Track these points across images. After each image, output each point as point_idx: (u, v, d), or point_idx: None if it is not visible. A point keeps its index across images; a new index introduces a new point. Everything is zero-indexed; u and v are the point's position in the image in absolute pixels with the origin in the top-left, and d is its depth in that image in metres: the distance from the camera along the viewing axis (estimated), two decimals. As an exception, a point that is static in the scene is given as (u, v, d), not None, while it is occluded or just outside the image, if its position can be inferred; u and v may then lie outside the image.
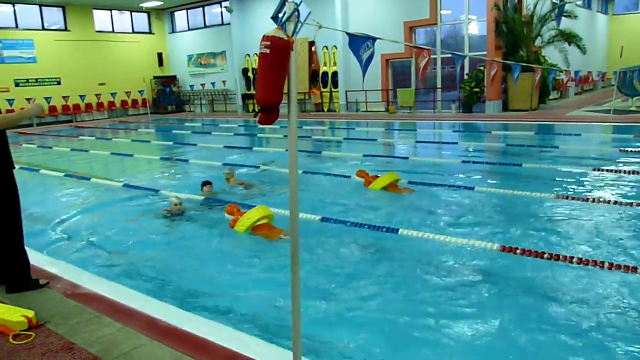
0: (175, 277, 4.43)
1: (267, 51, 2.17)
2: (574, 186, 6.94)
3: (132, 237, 5.58)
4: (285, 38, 2.18)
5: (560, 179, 7.38)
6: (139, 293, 3.94)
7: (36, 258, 4.47)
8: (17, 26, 22.53)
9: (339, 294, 3.94)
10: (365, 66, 3.18)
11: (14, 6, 22.32)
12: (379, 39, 3.15)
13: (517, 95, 16.41)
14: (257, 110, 2.26)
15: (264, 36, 2.20)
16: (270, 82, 2.19)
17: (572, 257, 4.26)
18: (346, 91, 20.59)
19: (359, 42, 3.00)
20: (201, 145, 12.65)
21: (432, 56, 18.13)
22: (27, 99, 22.05)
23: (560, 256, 4.29)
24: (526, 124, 13.62)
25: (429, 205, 6.29)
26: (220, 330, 3.28)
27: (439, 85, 19.01)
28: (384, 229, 5.15)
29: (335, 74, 20.90)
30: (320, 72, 21.35)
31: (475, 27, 18.23)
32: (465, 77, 17.54)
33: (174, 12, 27.51)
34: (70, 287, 4.08)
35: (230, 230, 5.45)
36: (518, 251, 4.43)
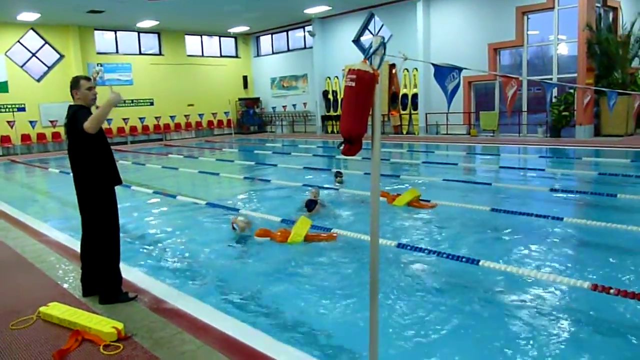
0: (254, 296, 4.51)
1: (353, 84, 2.20)
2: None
3: (214, 254, 5.77)
4: (371, 71, 2.20)
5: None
6: (219, 312, 4.06)
7: (126, 271, 4.73)
8: (117, 51, 24.38)
9: (415, 325, 3.84)
10: (450, 96, 3.13)
11: (115, 33, 24.20)
12: (465, 69, 3.10)
13: (611, 119, 15.45)
14: (341, 141, 2.29)
15: (349, 69, 2.23)
16: (354, 115, 2.21)
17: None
18: (426, 113, 20.34)
19: (444, 73, 2.96)
20: (281, 165, 12.94)
21: (521, 78, 17.54)
22: (124, 119, 23.76)
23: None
24: (621, 150, 12.77)
25: (513, 236, 6.03)
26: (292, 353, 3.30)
27: (524, 108, 18.31)
28: (464, 259, 4.98)
29: (415, 96, 20.74)
30: (400, 94, 21.28)
31: (565, 47, 17.45)
32: (554, 100, 16.78)
33: (259, 37, 28.61)
34: (155, 301, 4.28)
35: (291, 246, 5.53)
36: (612, 291, 4.11)
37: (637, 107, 11.16)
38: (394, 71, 21.06)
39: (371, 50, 2.23)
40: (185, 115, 26.31)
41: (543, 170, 10.70)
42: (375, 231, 2.37)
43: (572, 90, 16.19)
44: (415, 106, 20.81)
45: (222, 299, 4.47)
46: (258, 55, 29.01)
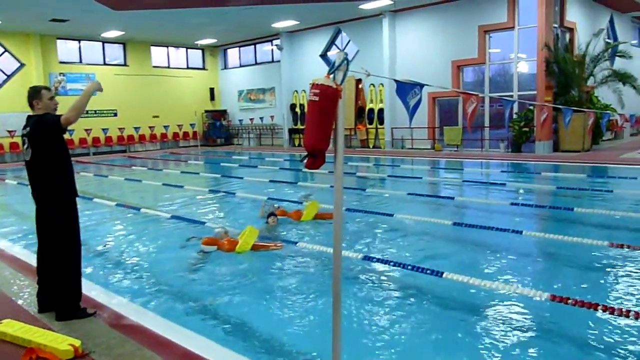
0: (215, 308, 4.46)
1: (316, 99, 2.22)
2: (629, 234, 6.64)
3: (176, 268, 5.68)
4: (334, 86, 2.23)
5: (615, 226, 7.08)
6: (179, 326, 3.99)
7: (85, 286, 4.61)
8: (80, 61, 23.91)
9: (377, 335, 3.87)
10: (412, 111, 3.20)
11: (79, 42, 23.75)
12: (426, 85, 3.17)
13: (569, 135, 15.99)
14: (305, 155, 2.30)
15: (313, 84, 2.26)
16: (318, 129, 2.24)
17: (629, 311, 4.05)
18: (392, 128, 20.62)
19: (406, 89, 3.02)
20: (248, 178, 12.88)
21: (482, 95, 18.02)
22: (86, 130, 23.23)
23: (616, 309, 4.08)
24: (578, 165, 13.22)
25: (475, 249, 6.15)
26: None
27: (486, 123, 18.78)
28: (428, 271, 5.05)
29: (381, 110, 21.02)
30: (367, 108, 21.52)
31: (526, 65, 18.03)
32: (515, 116, 17.27)
33: (227, 49, 28.54)
34: (115, 317, 4.18)
35: (244, 256, 5.50)
36: (570, 301, 4.23)
37: (591, 123, 11.60)
38: (360, 86, 21.31)
39: (334, 66, 2.27)
40: (150, 127, 25.92)
41: (504, 184, 10.97)
42: (338, 242, 2.38)
43: (532, 107, 16.70)
44: (381, 121, 21.08)
45: (184, 312, 4.41)
46: (225, 67, 28.92)
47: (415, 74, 19.13)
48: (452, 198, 9.36)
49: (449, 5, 18.95)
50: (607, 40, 19.60)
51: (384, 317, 4.25)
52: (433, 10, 19.49)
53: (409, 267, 5.25)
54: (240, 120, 27.51)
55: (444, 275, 4.91)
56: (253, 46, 27.22)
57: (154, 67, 26.30)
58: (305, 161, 2.29)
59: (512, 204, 8.61)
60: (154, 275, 5.49)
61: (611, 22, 21.36)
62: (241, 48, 27.89)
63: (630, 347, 3.57)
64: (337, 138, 2.33)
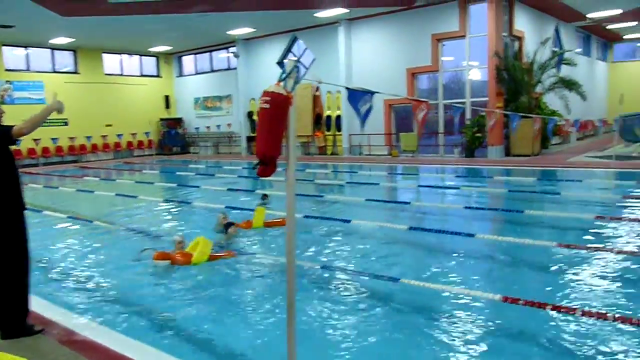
0: (172, 323, 4.37)
1: (267, 106, 2.23)
2: (575, 234, 6.91)
3: (129, 281, 5.54)
4: (285, 93, 2.24)
5: (562, 226, 7.36)
6: (135, 341, 3.89)
7: (34, 302, 4.43)
8: (28, 69, 23.08)
9: (335, 341, 3.88)
10: (363, 118, 3.24)
11: (26, 49, 22.94)
12: (377, 92, 3.23)
13: (519, 140, 16.53)
14: (257, 162, 2.30)
15: (264, 92, 2.26)
16: (269, 136, 2.24)
17: (575, 309, 4.20)
18: (350, 135, 20.80)
19: (357, 96, 3.07)
20: (205, 187, 12.71)
21: (434, 102, 18.41)
22: (35, 140, 22.40)
23: (562, 307, 4.23)
24: (528, 169, 13.68)
25: (430, 253, 6.26)
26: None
27: (441, 130, 19.20)
28: (385, 278, 5.11)
29: (338, 118, 21.18)
30: (324, 115, 21.64)
31: (478, 73, 18.55)
32: (467, 122, 17.72)
33: (182, 57, 28.17)
34: (66, 333, 4.04)
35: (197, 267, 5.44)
36: (521, 302, 4.37)
37: (539, 128, 12.04)
38: (317, 93, 21.42)
39: (285, 73, 2.28)
40: (103, 136, 25.25)
41: (458, 188, 11.23)
42: (291, 248, 2.38)
43: (484, 113, 17.18)
44: (339, 127, 21.24)
45: (139, 327, 4.29)
46: (181, 75, 28.52)
47: (371, 81, 19.40)
48: (408, 203, 9.51)
49: (403, 14, 19.32)
50: (554, 48, 20.42)
51: (341, 322, 4.27)
52: (388, 19, 19.83)
53: (366, 273, 5.30)
54: (196, 128, 27.16)
55: (400, 280, 4.98)
56: (209, 53, 26.97)
57: (107, 74, 25.66)
58: (257, 169, 2.28)
59: (465, 207, 8.82)
60: (107, 289, 5.33)
61: (557, 31, 22.28)
62: (197, 55, 27.59)
63: (579, 344, 3.70)
64: (288, 145, 2.34)
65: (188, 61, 28.20)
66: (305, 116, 20.94)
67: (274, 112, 2.20)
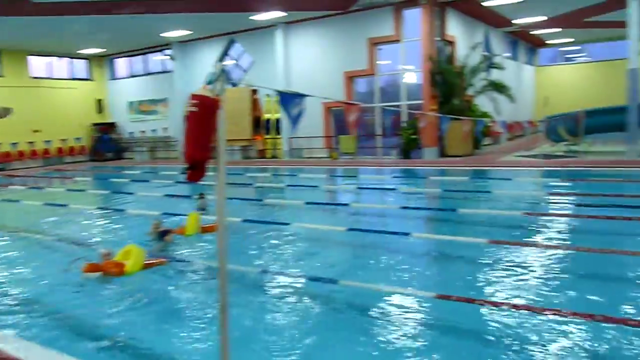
0: (107, 336, 4.21)
1: (195, 109, 2.19)
2: (505, 230, 7.22)
3: (60, 294, 5.28)
4: (213, 96, 2.21)
5: (493, 223, 7.67)
6: (66, 356, 3.71)
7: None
8: (-55, 72, 21.62)
9: (273, 345, 3.86)
10: (294, 121, 3.25)
11: (-58, 51, 21.48)
12: (308, 95, 3.25)
13: (452, 141, 17.10)
14: (186, 167, 2.25)
15: (191, 95, 2.22)
16: (197, 140, 2.20)
17: (504, 302, 4.39)
18: (289, 138, 20.80)
19: (288, 99, 3.07)
20: (140, 194, 12.33)
21: (371, 105, 18.75)
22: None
23: (491, 301, 4.41)
24: (461, 169, 14.18)
25: (368, 253, 6.35)
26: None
27: (379, 132, 19.57)
28: (325, 279, 5.14)
29: (278, 121, 21.15)
30: (263, 118, 21.54)
31: (413, 76, 19.04)
32: (404, 124, 18.15)
33: (115, 59, 27.23)
34: (-14, 351, 3.79)
35: (129, 278, 5.30)
36: (453, 298, 4.51)
37: (469, 130, 12.51)
38: (256, 96, 21.29)
39: (213, 76, 2.25)
40: (30, 142, 23.99)
41: (395, 189, 11.48)
42: (223, 255, 2.35)
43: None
44: (278, 130, 21.21)
45: (69, 341, 4.10)
46: (114, 78, 27.56)
47: (310, 84, 19.51)
48: (347, 204, 9.62)
49: (340, 18, 19.56)
50: (484, 53, 21.28)
51: (281, 325, 4.25)
52: (325, 23, 20.01)
53: (306, 275, 5.31)
54: (130, 133, 26.32)
55: (339, 282, 5.03)
56: (143, 56, 26.23)
57: (33, 77, 24.40)
58: (186, 173, 2.24)
59: (402, 207, 9.03)
60: (35, 303, 5.05)
61: (486, 36, 23.24)
62: (130, 58, 26.75)
63: (509, 335, 3.86)
64: (218, 149, 2.30)
65: (121, 64, 27.30)
66: (244, 119, 20.75)
67: (202, 115, 2.16)
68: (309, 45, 20.65)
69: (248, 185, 13.16)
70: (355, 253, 6.52)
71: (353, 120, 5.24)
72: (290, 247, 6.85)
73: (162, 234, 6.99)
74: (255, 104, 21.47)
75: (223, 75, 2.28)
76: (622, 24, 15.21)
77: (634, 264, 5.30)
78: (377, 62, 19.43)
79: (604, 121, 15.94)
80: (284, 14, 18.97)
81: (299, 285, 5.17)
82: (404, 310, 4.44)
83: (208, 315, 4.49)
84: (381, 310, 4.48)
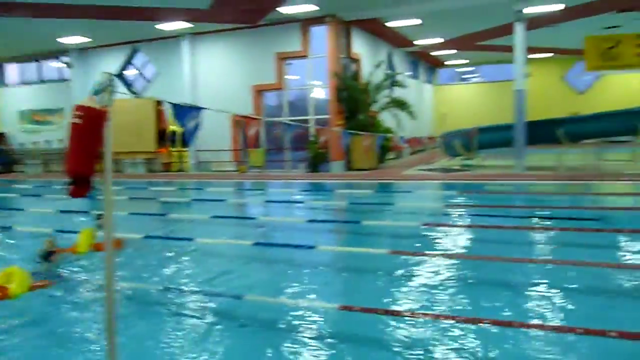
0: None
1: (79, 121, 2.07)
2: (406, 241, 7.51)
3: None
4: (99, 108, 2.10)
5: (394, 234, 7.95)
6: None
7: None
8: None
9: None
10: (190, 134, 3.18)
11: None
12: (204, 108, 3.20)
13: (358, 155, 17.60)
14: (68, 182, 2.12)
15: (76, 106, 2.10)
16: (81, 153, 2.08)
17: (405, 311, 4.54)
18: (196, 150, 20.35)
19: (184, 112, 3.00)
20: (31, 210, 11.45)
21: (280, 119, 18.86)
22: None
23: (393, 311, 4.55)
24: (366, 182, 14.60)
25: (274, 267, 6.33)
26: None
27: (288, 146, 19.70)
28: (229, 295, 5.04)
29: (184, 133, 20.61)
30: (169, 131, 20.91)
31: (322, 91, 19.41)
32: (312, 138, 18.42)
33: (4, 65, 25.27)
34: None
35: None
36: (356, 309, 4.60)
37: (370, 145, 12.93)
38: (161, 107, 20.65)
39: (99, 86, 2.14)
40: None
41: (302, 202, 11.57)
42: (110, 273, 2.23)
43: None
44: (185, 143, 20.69)
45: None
46: (3, 85, 25.53)
47: (218, 97, 19.28)
48: (254, 218, 9.55)
49: (248, 32, 19.56)
50: (387, 71, 22.20)
51: (182, 345, 4.10)
52: (234, 36, 19.92)
53: (209, 292, 5.18)
54: (21, 144, 24.44)
55: (244, 297, 4.95)
56: (37, 62, 24.57)
57: None
58: (68, 188, 2.10)
59: (309, 220, 9.11)
60: None
61: (390, 55, 24.28)
62: (22, 64, 24.94)
63: (411, 344, 3.99)
64: (105, 163, 2.19)
65: (12, 70, 25.37)
66: (148, 131, 20.02)
67: (86, 127, 2.04)
68: (217, 57, 20.43)
69: (151, 199, 12.67)
70: (261, 267, 6.47)
71: (253, 134, 5.23)
72: (194, 262, 6.67)
73: (48, 255, 6.50)
74: (160, 115, 20.81)
75: (110, 85, 2.18)
76: (509, 49, 16.54)
77: (520, 270, 5.70)
78: (286, 76, 19.62)
79: (494, 137, 17.18)
80: (190, 25, 18.62)
81: (201, 302, 5.03)
82: (307, 323, 4.46)
83: (96, 337, 4.24)
84: (286, 324, 4.47)
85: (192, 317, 4.71)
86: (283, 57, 19.33)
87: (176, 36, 20.25)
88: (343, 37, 18.82)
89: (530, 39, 17.93)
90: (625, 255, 6.31)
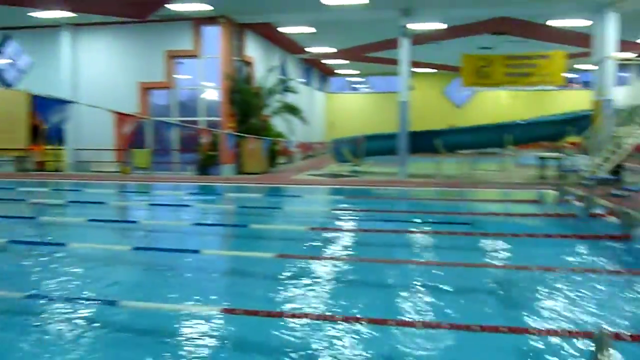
0: None
1: None
2: (293, 245, 7.59)
3: None
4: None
5: (282, 238, 8.00)
6: None
7: None
8: None
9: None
10: (55, 129, 2.95)
11: None
12: (73, 102, 2.99)
13: (249, 159, 17.50)
14: None
15: None
16: None
17: (288, 313, 4.57)
18: (75, 149, 19.00)
19: (47, 105, 2.78)
20: None
21: (168, 119, 18.24)
22: None
23: (278, 313, 4.57)
24: (256, 186, 14.55)
25: (150, 272, 6.09)
26: None
27: (176, 147, 19.08)
28: (104, 301, 4.75)
29: (61, 130, 19.14)
30: (43, 127, 19.30)
31: (214, 93, 19.04)
32: (202, 140, 17.97)
33: None
34: None
35: None
36: (239, 312, 4.54)
37: (262, 148, 12.90)
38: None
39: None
40: None
41: (190, 206, 11.26)
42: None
43: (217, 133, 17.69)
44: (61, 141, 19.21)
45: None
46: None
47: (101, 93, 18.21)
48: (136, 222, 9.11)
49: (136, 27, 18.69)
50: (280, 76, 22.34)
51: (47, 355, 3.79)
52: (120, 30, 18.93)
53: (82, 299, 4.85)
54: None
55: (119, 304, 4.68)
56: None
57: None
58: None
59: (195, 224, 8.87)
60: None
61: (283, 61, 24.48)
62: None
63: (293, 345, 4.01)
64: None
65: None
66: (19, 126, 18.28)
67: None
68: (102, 51, 19.29)
69: (20, 201, 11.62)
70: (140, 272, 6.18)
71: (127, 132, 4.98)
72: (65, 268, 6.19)
73: None
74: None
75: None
76: (396, 62, 17.42)
77: (399, 271, 5.98)
78: (176, 75, 19.01)
79: (380, 145, 17.98)
80: (70, 14, 17.38)
81: (70, 310, 4.68)
82: (188, 328, 4.34)
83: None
84: (165, 330, 4.30)
85: (60, 326, 4.37)
86: (173, 56, 18.69)
87: (55, 26, 18.80)
88: (236, 39, 18.63)
89: (415, 54, 19.04)
90: (489, 256, 6.88)
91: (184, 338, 4.14)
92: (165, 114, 19.30)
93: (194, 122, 18.22)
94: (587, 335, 3.60)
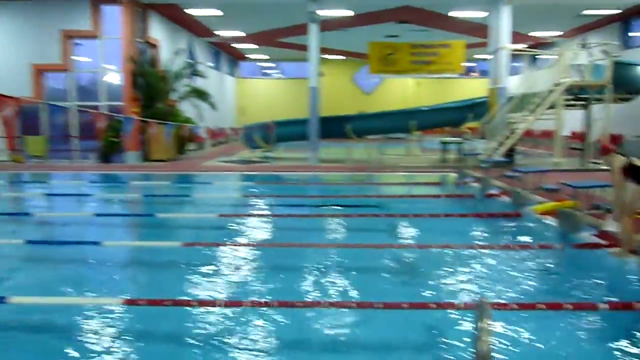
0: None
1: None
2: (201, 232, 7.44)
3: None
4: None
5: (190, 226, 7.83)
6: None
7: None
8: None
9: None
10: None
11: None
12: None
13: (156, 146, 16.84)
14: None
15: None
16: None
17: (195, 300, 4.50)
18: (-43, 137, 17.29)
19: None
20: None
21: (65, 103, 17.10)
22: None
23: (184, 301, 4.47)
24: (163, 174, 14.06)
25: (44, 266, 5.73)
26: None
27: (76, 133, 17.94)
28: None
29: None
30: None
31: (117, 76, 18.05)
32: (104, 126, 17.03)
33: None
34: None
35: None
36: (142, 302, 4.40)
37: (163, 134, 12.44)
38: None
39: None
40: None
41: (91, 195, 10.68)
42: None
43: (120, 119, 16.84)
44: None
45: None
46: None
47: (-13, 75, 16.69)
48: (29, 214, 8.49)
49: (27, 4, 17.26)
50: (188, 60, 21.62)
51: None
52: (9, 7, 17.40)
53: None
54: None
55: (8, 300, 4.35)
56: None
57: None
58: None
59: (96, 214, 8.43)
60: None
61: (191, 44, 23.69)
62: None
63: (199, 332, 3.94)
64: None
65: None
66: None
67: None
68: (-12, 29, 17.63)
69: None
70: (34, 267, 5.78)
71: (8, 116, 4.61)
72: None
73: None
74: None
75: None
76: (305, 48, 17.46)
77: (312, 254, 6.05)
78: (73, 57, 17.82)
79: (291, 131, 18.03)
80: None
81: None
82: (87, 321, 4.13)
83: None
84: (62, 324, 4.08)
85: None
86: (69, 36, 17.46)
87: None
88: (140, 20, 17.73)
89: (325, 40, 19.17)
90: (394, 236, 7.16)
91: (81, 332, 3.94)
92: (63, 98, 18.06)
93: (95, 107, 17.21)
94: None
